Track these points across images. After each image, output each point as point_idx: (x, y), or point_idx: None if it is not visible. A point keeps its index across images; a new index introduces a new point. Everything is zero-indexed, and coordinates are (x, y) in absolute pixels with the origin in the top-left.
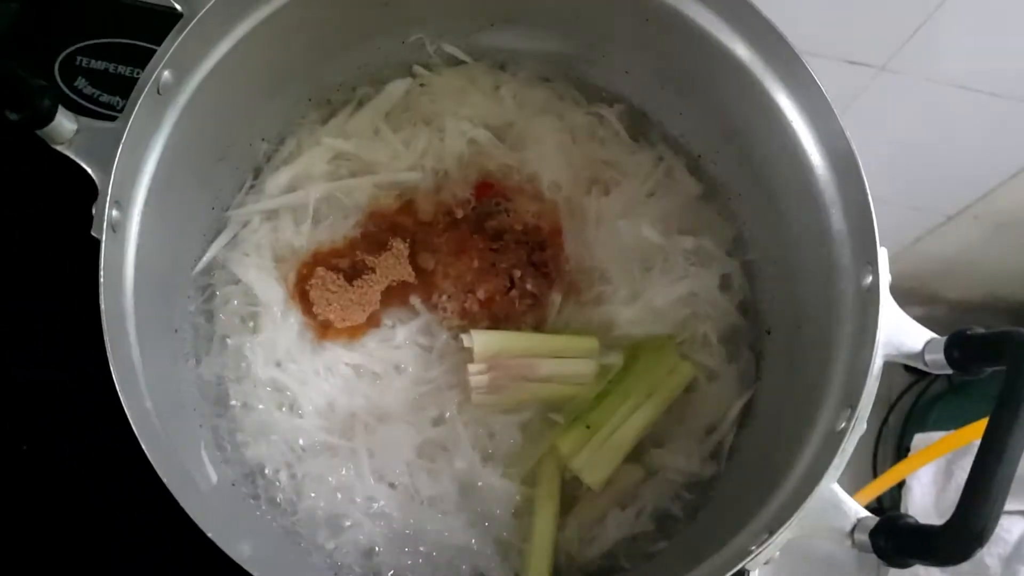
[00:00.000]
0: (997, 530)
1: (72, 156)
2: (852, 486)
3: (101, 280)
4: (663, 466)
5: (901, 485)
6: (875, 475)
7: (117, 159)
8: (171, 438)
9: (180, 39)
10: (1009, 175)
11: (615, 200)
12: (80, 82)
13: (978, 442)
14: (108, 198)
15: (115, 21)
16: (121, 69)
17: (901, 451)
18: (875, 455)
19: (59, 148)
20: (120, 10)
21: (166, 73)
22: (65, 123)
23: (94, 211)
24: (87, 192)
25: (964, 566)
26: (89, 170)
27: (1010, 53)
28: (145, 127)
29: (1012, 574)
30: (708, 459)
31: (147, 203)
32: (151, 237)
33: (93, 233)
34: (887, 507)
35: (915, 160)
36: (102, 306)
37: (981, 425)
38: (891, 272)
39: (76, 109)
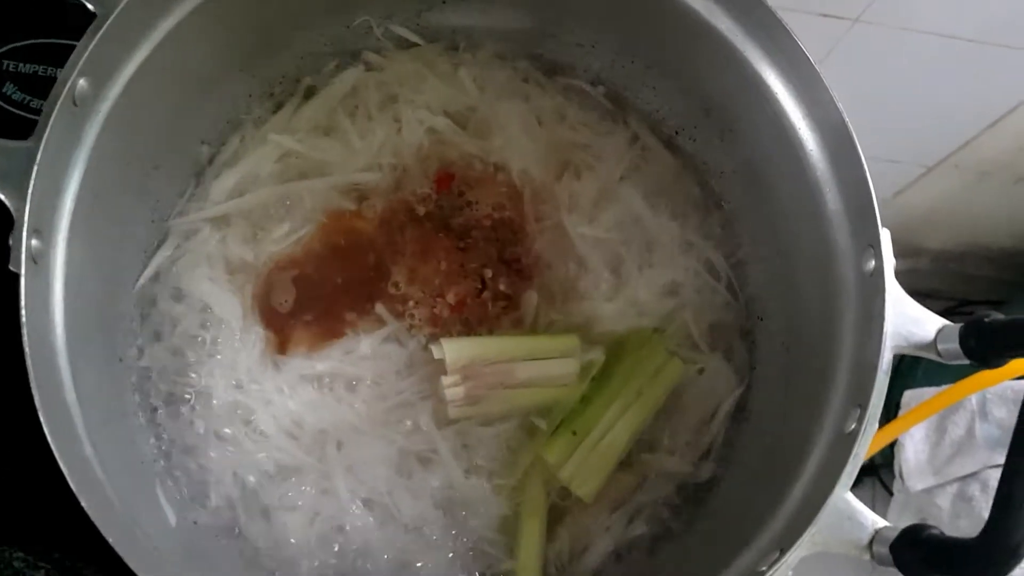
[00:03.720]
0: (995, 484)
1: None
2: None
3: (23, 320)
4: (656, 470)
5: (893, 442)
6: None
7: (32, 183)
8: (119, 485)
9: (95, 42)
10: (990, 122)
11: (588, 185)
12: (8, 88)
13: (973, 397)
14: (25, 227)
15: (43, 20)
16: (52, 72)
17: (891, 406)
18: None
19: None
20: (47, 8)
21: (81, 82)
22: None
23: (11, 242)
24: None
25: (962, 522)
26: (2, 197)
27: None
28: (62, 144)
29: None
30: (704, 460)
31: (73, 227)
32: (81, 264)
33: (11, 267)
34: (878, 463)
35: (893, 112)
36: (26, 349)
37: (975, 380)
38: None
39: (5, 117)
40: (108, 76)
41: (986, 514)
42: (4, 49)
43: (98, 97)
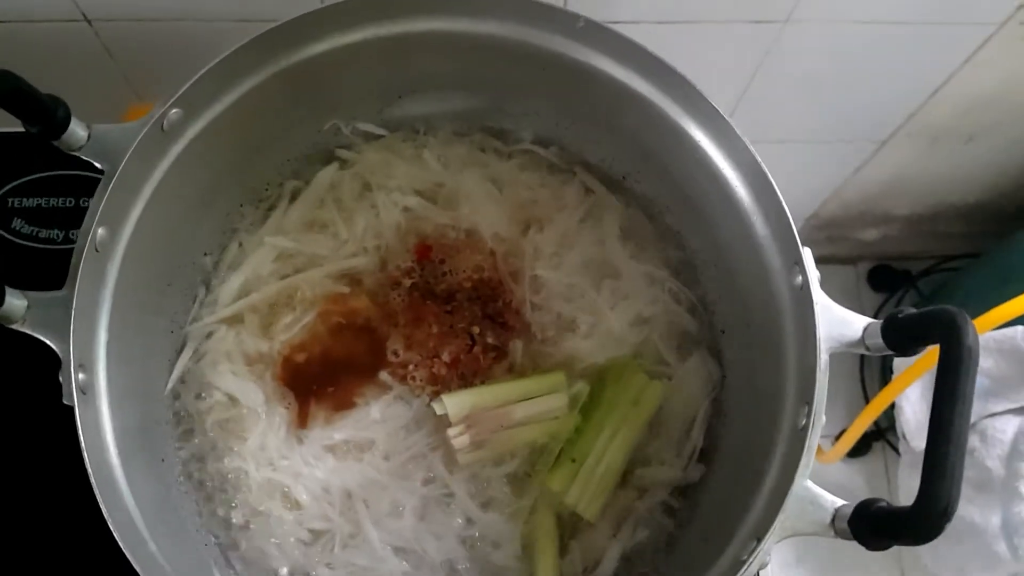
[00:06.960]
0: (992, 432)
1: (29, 332)
2: (846, 415)
3: (83, 444)
4: (651, 482)
5: (892, 406)
6: (866, 398)
7: (72, 326)
8: (180, 570)
9: (107, 196)
10: (931, 92)
11: (551, 235)
12: (16, 223)
13: None
14: (72, 364)
15: (38, 157)
16: (54, 202)
17: (886, 372)
18: (862, 379)
19: (14, 327)
20: (39, 146)
21: (100, 231)
22: (15, 303)
23: (61, 379)
24: (46, 361)
25: (968, 472)
26: (47, 341)
27: None
28: (91, 287)
29: (1014, 471)
30: (691, 464)
31: (108, 355)
32: (119, 384)
33: (65, 401)
34: (884, 427)
35: (838, 97)
36: (89, 469)
37: None
38: (840, 201)
39: (16, 251)
40: (120, 221)
41: (989, 464)
42: (7, 188)
43: (114, 240)
